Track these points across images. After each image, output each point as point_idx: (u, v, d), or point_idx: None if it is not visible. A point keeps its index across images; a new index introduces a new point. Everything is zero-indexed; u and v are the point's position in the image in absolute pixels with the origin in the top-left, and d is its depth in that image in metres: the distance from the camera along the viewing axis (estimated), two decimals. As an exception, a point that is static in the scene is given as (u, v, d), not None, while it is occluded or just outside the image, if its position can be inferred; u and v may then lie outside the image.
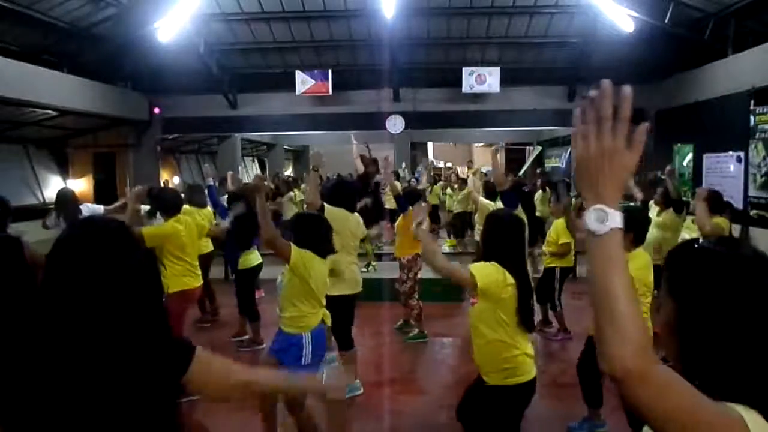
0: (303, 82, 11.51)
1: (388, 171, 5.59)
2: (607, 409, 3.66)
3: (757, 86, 7.77)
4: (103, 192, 12.60)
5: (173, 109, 12.01)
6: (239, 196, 5.77)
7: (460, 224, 10.31)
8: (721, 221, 4.25)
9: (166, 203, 4.50)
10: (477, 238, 5.86)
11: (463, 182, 12.27)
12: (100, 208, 5.71)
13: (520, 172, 8.64)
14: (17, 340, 1.21)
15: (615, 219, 0.89)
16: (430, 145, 22.38)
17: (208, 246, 6.22)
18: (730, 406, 0.84)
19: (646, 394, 0.82)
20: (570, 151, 15.27)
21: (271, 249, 3.24)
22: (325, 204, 4.12)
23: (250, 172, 19.36)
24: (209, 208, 6.28)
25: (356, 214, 4.51)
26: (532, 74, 11.76)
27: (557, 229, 5.56)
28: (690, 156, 9.82)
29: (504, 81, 11.26)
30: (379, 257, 8.75)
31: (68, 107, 9.60)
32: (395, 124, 11.91)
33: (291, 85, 11.52)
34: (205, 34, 10.70)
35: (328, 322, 3.43)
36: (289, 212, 9.26)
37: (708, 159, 9.10)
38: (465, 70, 11.27)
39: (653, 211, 5.52)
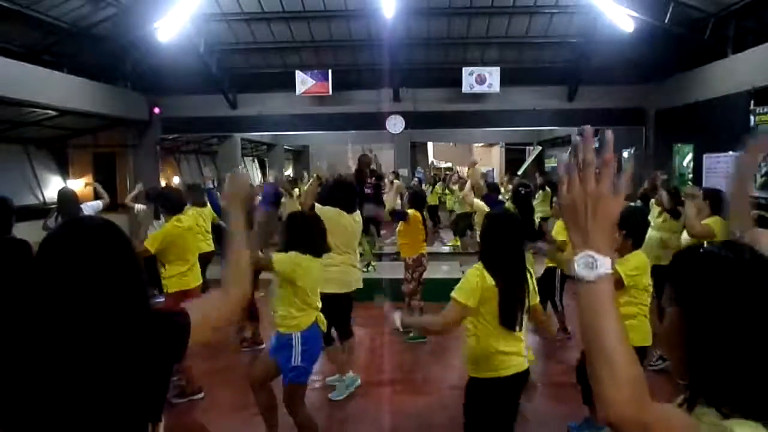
0: (303, 82, 11.51)
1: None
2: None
3: (757, 86, 7.76)
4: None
5: (173, 109, 11.99)
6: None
7: (463, 225, 10.34)
8: (712, 221, 4.23)
9: (169, 203, 4.50)
10: (478, 238, 5.89)
11: (464, 182, 12.29)
12: (98, 205, 5.74)
13: (519, 171, 8.65)
14: (17, 341, 1.21)
15: (604, 265, 0.90)
16: (430, 145, 22.34)
17: (210, 245, 6.23)
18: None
19: None
20: (570, 151, 15.25)
21: (253, 267, 3.27)
22: (316, 204, 4.15)
23: (250, 172, 19.35)
24: (209, 208, 6.29)
25: (356, 213, 4.50)
26: (532, 74, 11.74)
27: (559, 230, 5.55)
28: (690, 156, 9.81)
29: (504, 81, 11.24)
30: (378, 257, 8.75)
31: (68, 107, 9.59)
32: (395, 124, 11.90)
33: (291, 85, 11.50)
34: (205, 34, 10.69)
35: (323, 327, 3.42)
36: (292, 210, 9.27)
37: (708, 159, 9.09)
38: (465, 70, 11.26)
39: (654, 210, 5.54)
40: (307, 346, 3.22)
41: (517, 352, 2.79)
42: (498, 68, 11.23)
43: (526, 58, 11.60)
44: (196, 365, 4.47)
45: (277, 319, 3.28)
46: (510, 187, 8.73)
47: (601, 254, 0.90)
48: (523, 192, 5.63)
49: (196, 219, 5.57)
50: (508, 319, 2.73)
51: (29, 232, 3.36)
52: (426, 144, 21.52)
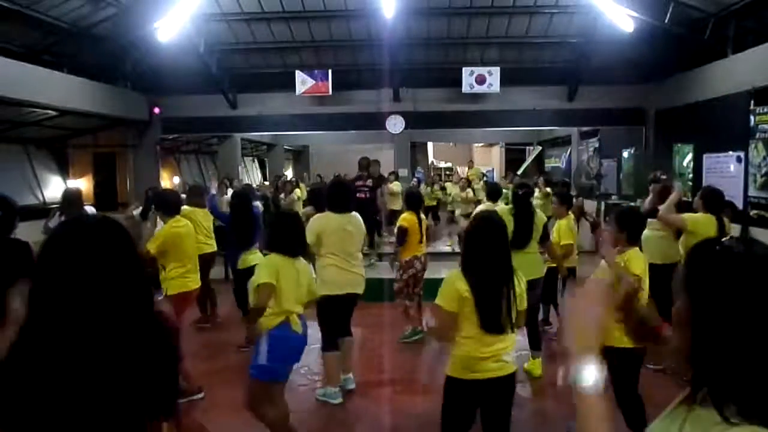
0: (303, 82, 11.50)
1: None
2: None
3: (757, 86, 7.76)
4: (103, 192, 12.61)
5: (173, 109, 11.99)
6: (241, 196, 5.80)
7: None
8: (703, 219, 4.33)
9: (167, 204, 4.51)
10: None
11: (467, 183, 12.30)
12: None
13: (519, 171, 8.65)
14: (20, 341, 1.22)
15: (600, 377, 1.05)
16: (430, 145, 22.33)
17: (212, 246, 6.24)
18: None
19: None
20: (570, 152, 15.26)
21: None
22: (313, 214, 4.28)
23: (250, 172, 19.35)
24: (205, 210, 6.30)
25: (354, 214, 4.48)
26: (532, 74, 11.73)
27: (560, 230, 5.52)
28: (690, 156, 9.81)
29: (504, 81, 11.23)
30: (379, 257, 8.75)
31: (68, 107, 9.59)
32: (395, 124, 11.90)
33: (291, 85, 11.50)
34: (205, 34, 10.68)
35: (298, 330, 3.40)
36: (296, 210, 9.31)
37: (708, 159, 9.09)
38: (465, 70, 11.25)
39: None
40: (275, 347, 3.27)
41: (495, 357, 2.75)
42: (498, 68, 11.22)
43: (526, 58, 11.60)
44: (196, 365, 4.47)
45: None
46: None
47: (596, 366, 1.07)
48: (522, 192, 5.60)
49: (197, 219, 5.59)
50: (490, 324, 2.70)
51: (29, 233, 3.35)
52: (426, 144, 21.50)
